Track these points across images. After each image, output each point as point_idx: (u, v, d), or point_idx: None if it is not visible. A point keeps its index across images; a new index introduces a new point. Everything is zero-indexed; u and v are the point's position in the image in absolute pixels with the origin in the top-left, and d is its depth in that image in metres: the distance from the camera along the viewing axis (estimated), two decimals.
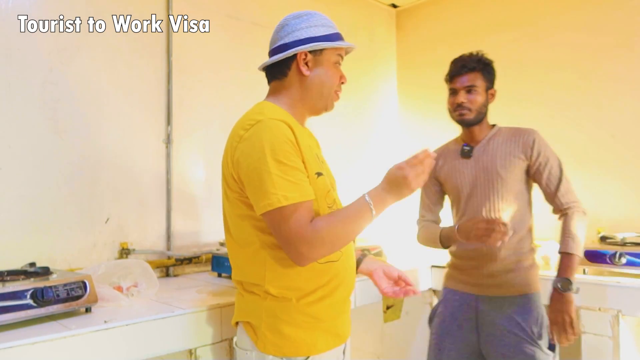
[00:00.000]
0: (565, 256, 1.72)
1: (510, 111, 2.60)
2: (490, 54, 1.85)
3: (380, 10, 3.48)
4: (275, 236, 1.22)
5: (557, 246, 2.54)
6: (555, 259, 2.43)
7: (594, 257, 2.15)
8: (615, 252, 2.09)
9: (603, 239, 2.28)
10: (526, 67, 2.83)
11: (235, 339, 1.38)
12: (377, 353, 3.03)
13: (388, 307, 2.13)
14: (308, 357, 1.26)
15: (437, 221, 1.98)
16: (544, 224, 2.71)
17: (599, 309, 2.02)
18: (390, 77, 3.55)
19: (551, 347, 1.72)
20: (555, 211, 1.82)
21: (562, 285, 1.67)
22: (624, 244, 2.16)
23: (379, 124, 3.44)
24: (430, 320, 1.93)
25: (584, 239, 1.74)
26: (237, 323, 1.36)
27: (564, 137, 2.71)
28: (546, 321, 1.73)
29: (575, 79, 2.69)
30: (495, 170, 1.78)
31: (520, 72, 2.81)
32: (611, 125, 2.58)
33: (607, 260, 2.10)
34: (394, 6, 3.53)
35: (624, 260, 2.06)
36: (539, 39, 2.82)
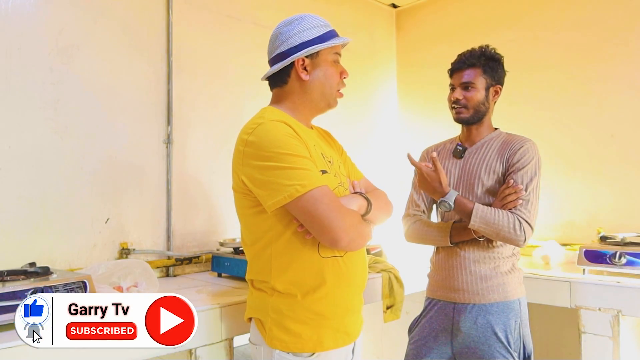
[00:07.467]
0: (470, 206, 1.64)
1: (509, 111, 2.60)
2: None
3: (380, 10, 3.48)
4: (306, 226, 1.24)
5: (557, 246, 2.52)
6: (555, 259, 2.43)
7: (594, 257, 2.14)
8: (615, 252, 2.08)
9: (603, 239, 2.28)
10: (526, 66, 2.82)
11: (249, 335, 1.41)
12: (377, 353, 3.03)
13: (388, 307, 2.13)
14: (314, 354, 1.28)
15: (428, 215, 1.92)
16: (544, 224, 2.73)
17: (599, 309, 2.02)
18: (390, 76, 3.55)
19: (527, 357, 1.69)
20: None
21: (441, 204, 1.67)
22: (624, 244, 2.16)
23: (379, 124, 3.44)
24: (410, 330, 1.87)
25: (491, 228, 1.61)
26: (250, 319, 1.40)
27: (564, 137, 2.72)
28: (526, 329, 1.70)
29: (576, 77, 2.69)
30: (478, 175, 1.74)
31: (519, 71, 2.78)
32: (611, 124, 2.58)
33: (607, 260, 2.10)
34: (394, 6, 3.53)
35: (624, 260, 2.06)
36: (538, 37, 2.83)
